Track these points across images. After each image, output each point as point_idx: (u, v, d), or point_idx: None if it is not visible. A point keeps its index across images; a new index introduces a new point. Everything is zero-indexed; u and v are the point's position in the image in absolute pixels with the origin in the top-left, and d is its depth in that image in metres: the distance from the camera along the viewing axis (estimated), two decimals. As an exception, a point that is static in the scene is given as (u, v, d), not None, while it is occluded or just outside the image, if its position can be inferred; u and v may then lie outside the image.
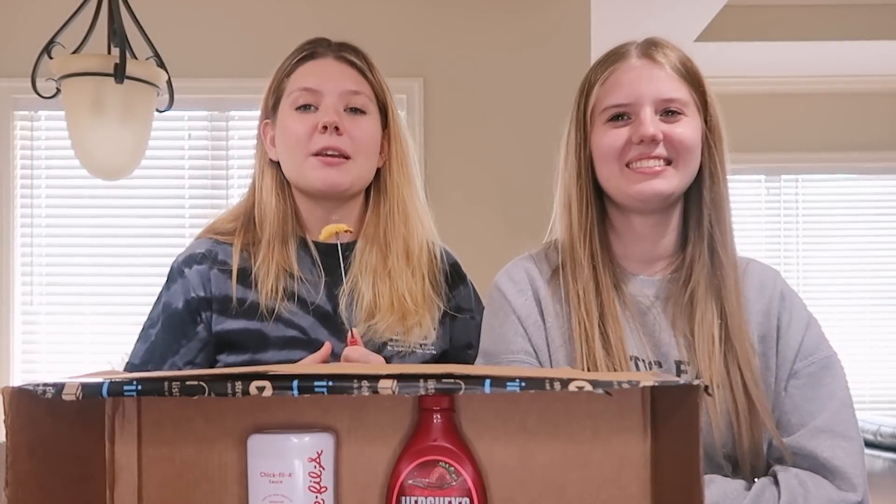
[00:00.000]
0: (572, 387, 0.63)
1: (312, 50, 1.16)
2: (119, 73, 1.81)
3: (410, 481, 0.73)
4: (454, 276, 1.21)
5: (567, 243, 1.03)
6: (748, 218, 3.89)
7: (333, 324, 1.10)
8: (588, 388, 0.63)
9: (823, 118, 3.85)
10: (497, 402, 0.76)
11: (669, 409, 0.70)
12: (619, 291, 1.00)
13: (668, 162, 0.99)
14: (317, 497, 0.72)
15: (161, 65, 1.99)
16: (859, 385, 3.71)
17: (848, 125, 3.85)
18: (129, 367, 1.12)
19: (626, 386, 0.63)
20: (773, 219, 3.94)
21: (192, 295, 1.11)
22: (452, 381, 0.63)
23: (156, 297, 1.16)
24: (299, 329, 1.09)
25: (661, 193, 0.98)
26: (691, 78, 1.01)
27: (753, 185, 3.93)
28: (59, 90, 1.91)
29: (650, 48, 1.03)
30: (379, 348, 1.10)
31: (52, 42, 1.93)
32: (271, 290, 1.09)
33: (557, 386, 0.63)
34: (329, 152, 1.10)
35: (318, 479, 0.72)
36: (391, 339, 1.11)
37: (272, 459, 0.72)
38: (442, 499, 0.72)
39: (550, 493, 0.76)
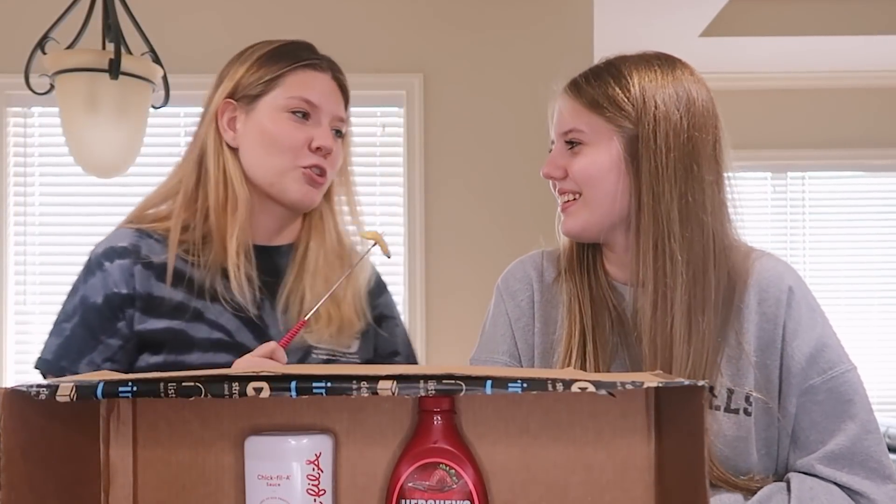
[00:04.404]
0: (575, 388, 0.62)
1: (316, 62, 1.13)
2: (114, 69, 1.80)
3: (410, 484, 0.72)
4: (378, 285, 1.22)
5: (567, 254, 1.03)
6: (754, 215, 3.86)
7: (260, 328, 1.08)
8: (591, 389, 0.62)
9: (830, 114, 3.84)
10: (498, 404, 0.75)
11: (674, 410, 0.69)
12: (609, 308, 0.98)
13: (580, 194, 0.96)
14: (315, 500, 0.71)
15: (156, 60, 1.98)
16: (867, 386, 3.66)
17: (855, 121, 3.83)
18: (41, 362, 1.07)
19: (629, 387, 0.62)
20: (780, 216, 3.93)
21: (114, 290, 1.06)
22: (453, 381, 0.62)
23: (70, 290, 1.10)
24: (225, 332, 1.06)
25: (569, 232, 0.98)
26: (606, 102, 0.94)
27: (759, 182, 3.92)
28: (52, 86, 1.90)
29: (569, 84, 0.99)
30: (305, 353, 1.09)
31: (45, 37, 1.91)
32: (209, 290, 1.06)
33: (560, 387, 0.62)
34: (316, 171, 1.10)
35: (316, 482, 0.71)
36: (316, 347, 1.10)
37: (270, 462, 0.71)
38: (442, 502, 0.71)
39: (553, 495, 0.75)
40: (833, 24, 3.39)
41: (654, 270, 0.92)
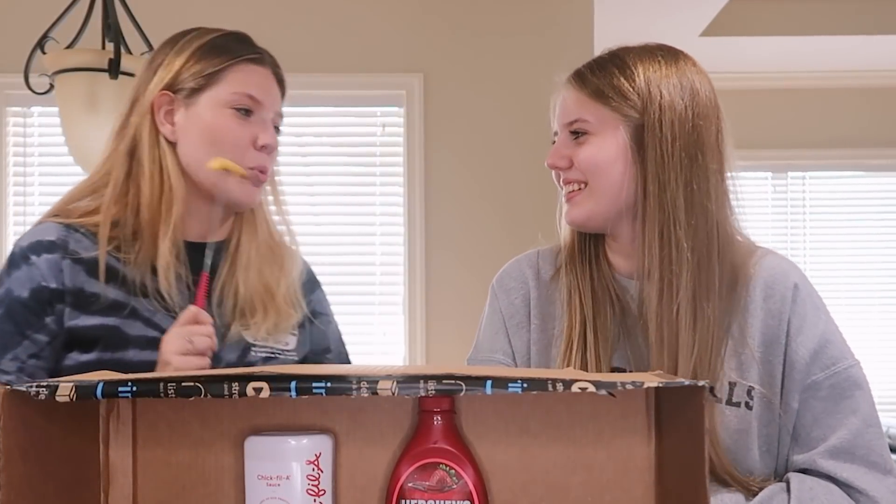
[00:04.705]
0: (575, 388, 0.62)
1: (258, 56, 1.11)
2: (113, 69, 1.79)
3: (410, 484, 0.72)
4: (311, 280, 1.22)
5: (568, 246, 1.04)
6: (754, 215, 3.87)
7: None
8: (591, 389, 0.62)
9: (831, 114, 3.84)
10: (498, 404, 0.75)
11: (674, 410, 0.69)
12: (612, 299, 0.98)
13: (586, 184, 0.96)
14: (315, 500, 0.71)
15: (156, 60, 1.97)
16: (867, 386, 3.67)
17: (856, 121, 3.83)
18: None
19: (629, 387, 0.62)
20: (780, 216, 3.93)
21: (42, 284, 1.02)
22: (453, 382, 0.62)
23: None
24: (160, 330, 1.04)
25: (574, 221, 0.98)
26: (611, 92, 0.95)
27: (760, 182, 3.92)
28: (52, 86, 1.90)
29: (573, 74, 1.00)
30: (244, 351, 1.09)
31: (45, 37, 1.91)
32: (140, 287, 1.04)
33: (560, 387, 0.62)
34: (257, 171, 1.09)
35: (316, 482, 0.71)
36: (254, 345, 1.10)
37: (270, 462, 0.71)
38: (442, 502, 0.71)
39: (553, 496, 0.75)
40: (833, 24, 3.39)
41: (660, 258, 0.92)
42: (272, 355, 1.12)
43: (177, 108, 1.08)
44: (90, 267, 1.04)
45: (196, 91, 1.07)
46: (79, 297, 1.03)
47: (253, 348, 1.10)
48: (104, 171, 1.09)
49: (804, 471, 0.92)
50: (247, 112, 1.08)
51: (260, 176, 1.10)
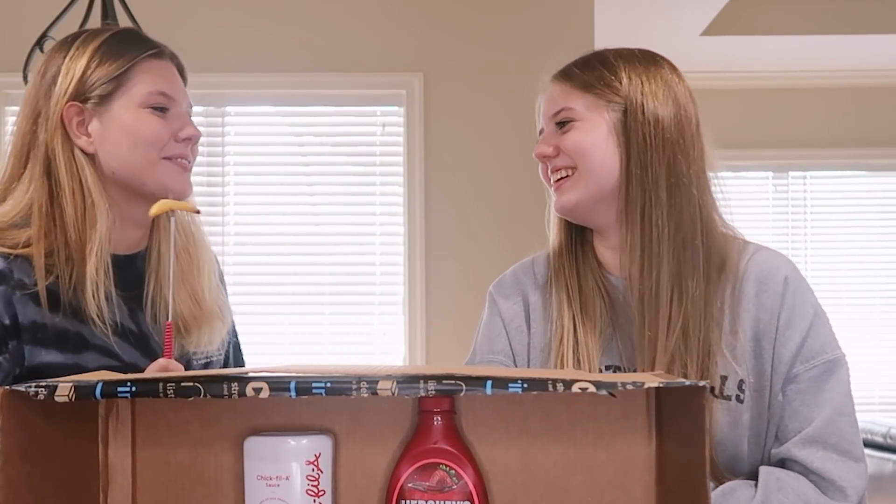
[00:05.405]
0: (575, 388, 0.62)
1: (160, 49, 1.09)
2: (113, 69, 1.79)
3: (410, 484, 0.72)
4: (221, 278, 1.23)
5: (556, 248, 1.06)
6: (755, 215, 3.86)
7: (144, 344, 1.05)
8: (591, 389, 0.62)
9: (832, 114, 3.84)
10: (499, 404, 0.75)
11: (675, 410, 0.69)
12: (601, 293, 1.01)
13: (574, 169, 0.99)
14: (315, 500, 0.71)
15: (156, 60, 1.98)
16: (869, 387, 3.67)
17: (857, 121, 3.83)
18: None
19: (630, 387, 0.62)
20: (781, 216, 3.93)
21: None
22: (453, 382, 0.62)
23: None
24: (113, 356, 1.02)
25: (563, 207, 1.01)
26: (592, 80, 1.00)
27: (761, 181, 3.91)
28: (52, 85, 1.89)
29: (558, 72, 1.04)
30: (187, 364, 1.09)
31: (44, 36, 1.91)
32: (84, 312, 1.00)
33: (560, 387, 0.62)
34: (181, 160, 1.08)
35: (315, 483, 0.71)
36: (195, 353, 1.10)
37: (269, 462, 0.71)
38: (442, 502, 0.71)
39: (553, 496, 0.75)
40: (833, 23, 3.39)
41: (641, 237, 0.96)
42: (209, 360, 1.13)
43: (88, 119, 1.04)
44: (36, 297, 0.99)
45: (106, 97, 1.04)
46: (34, 332, 0.99)
47: (195, 356, 1.11)
48: (26, 203, 1.03)
49: (780, 462, 0.94)
50: (163, 110, 1.06)
51: (185, 164, 1.09)
